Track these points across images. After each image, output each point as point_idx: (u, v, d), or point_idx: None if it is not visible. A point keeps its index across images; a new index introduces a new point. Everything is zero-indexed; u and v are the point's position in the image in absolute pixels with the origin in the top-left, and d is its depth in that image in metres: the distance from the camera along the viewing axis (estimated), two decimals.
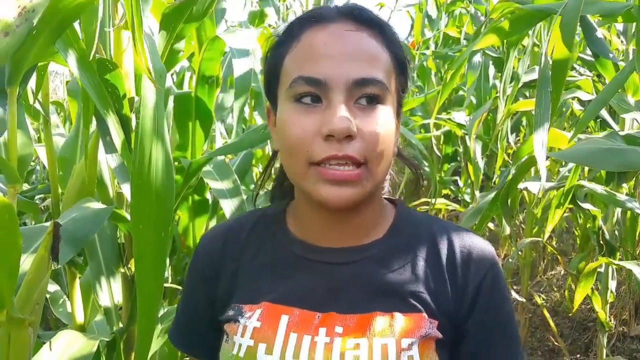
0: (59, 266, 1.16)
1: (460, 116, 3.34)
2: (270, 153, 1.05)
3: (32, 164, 4.12)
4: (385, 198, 0.95)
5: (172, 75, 4.18)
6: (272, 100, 0.88)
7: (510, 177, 1.45)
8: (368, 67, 0.79)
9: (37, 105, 1.49)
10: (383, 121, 0.79)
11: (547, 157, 1.29)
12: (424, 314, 0.81)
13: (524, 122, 3.08)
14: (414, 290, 0.83)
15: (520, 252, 2.74)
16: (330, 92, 0.77)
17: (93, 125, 1.43)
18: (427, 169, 3.26)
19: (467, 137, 3.01)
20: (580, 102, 2.43)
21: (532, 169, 2.46)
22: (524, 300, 2.62)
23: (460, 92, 3.90)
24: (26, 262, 1.15)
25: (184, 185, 1.50)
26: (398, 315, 0.80)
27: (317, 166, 0.77)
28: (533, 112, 2.56)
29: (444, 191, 4.26)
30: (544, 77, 1.03)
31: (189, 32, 1.53)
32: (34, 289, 1.03)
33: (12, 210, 0.94)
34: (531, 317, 3.04)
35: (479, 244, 0.88)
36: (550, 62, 1.03)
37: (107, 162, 1.56)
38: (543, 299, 3.25)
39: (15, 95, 1.08)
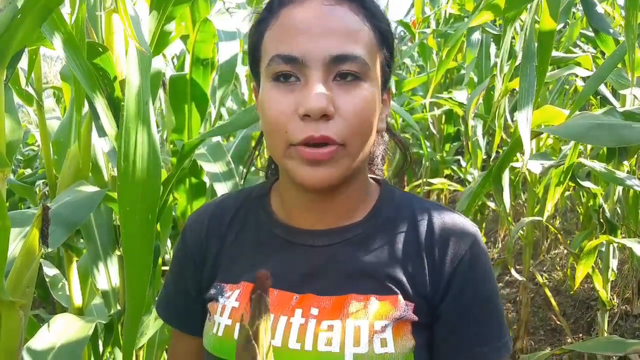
0: (50, 249, 1.17)
1: (461, 95, 3.30)
2: None
3: (35, 148, 4.14)
4: (370, 177, 0.94)
5: (172, 58, 4.16)
6: (257, 78, 0.87)
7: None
8: (347, 42, 0.77)
9: (31, 90, 1.48)
10: (363, 99, 0.78)
11: (542, 134, 1.29)
12: (400, 297, 0.81)
13: None
14: (391, 273, 0.82)
15: (522, 232, 2.73)
16: (307, 69, 0.76)
17: (86, 108, 1.43)
18: (421, 150, 3.26)
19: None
20: (583, 79, 2.41)
21: (534, 148, 2.45)
22: (524, 279, 2.62)
23: (463, 71, 3.87)
24: (17, 246, 1.16)
25: (178, 167, 1.50)
26: (373, 298, 0.80)
27: (296, 146, 0.76)
28: None
29: (446, 171, 4.25)
30: (529, 51, 1.01)
31: (179, 13, 1.51)
32: (24, 273, 1.03)
33: (0, 194, 0.94)
34: (533, 297, 3.05)
35: (459, 224, 0.86)
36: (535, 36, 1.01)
37: (100, 145, 1.56)
38: (546, 278, 3.25)
39: (2, 79, 1.07)
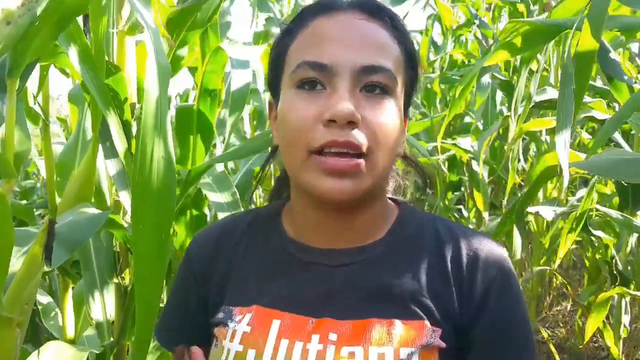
0: (52, 268, 1.12)
1: (466, 142, 3.29)
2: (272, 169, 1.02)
3: (31, 181, 4.08)
4: (389, 198, 0.91)
5: (176, 97, 4.19)
6: (275, 92, 0.85)
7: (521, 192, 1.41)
8: (376, 55, 0.76)
9: (38, 108, 1.45)
10: (389, 113, 0.76)
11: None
12: (426, 322, 0.75)
13: (532, 149, 3.04)
14: (416, 296, 0.77)
15: (527, 285, 2.68)
16: (335, 77, 0.74)
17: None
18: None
19: (473, 161, 2.97)
20: (590, 128, 2.40)
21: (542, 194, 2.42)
22: None
23: (467, 119, 3.89)
24: (17, 262, 1.10)
25: (183, 194, 1.46)
26: (397, 323, 0.75)
27: (317, 155, 0.73)
28: (541, 135, 2.53)
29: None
30: (566, 75, 0.99)
31: (192, 39, 1.51)
32: (23, 289, 0.99)
33: (6, 202, 0.89)
34: (537, 353, 2.96)
35: (488, 245, 0.82)
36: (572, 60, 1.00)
37: (105, 169, 1.53)
38: (549, 335, 3.17)
39: (14, 87, 1.04)
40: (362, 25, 0.78)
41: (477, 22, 3.20)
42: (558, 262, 2.15)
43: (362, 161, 0.73)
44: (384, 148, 0.76)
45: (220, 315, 0.83)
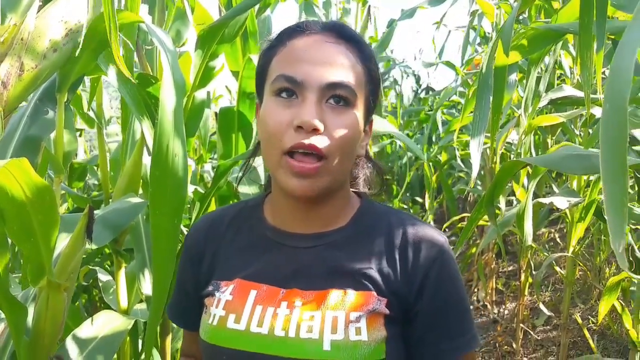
0: (95, 246, 1.35)
1: (513, 135, 3.33)
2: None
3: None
4: (353, 191, 1.08)
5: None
6: (260, 96, 1.02)
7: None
8: (340, 73, 0.92)
9: (92, 114, 1.71)
10: (349, 122, 0.92)
11: (528, 165, 1.38)
12: (374, 292, 0.92)
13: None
14: (366, 272, 0.94)
15: (562, 271, 2.75)
16: (305, 90, 0.90)
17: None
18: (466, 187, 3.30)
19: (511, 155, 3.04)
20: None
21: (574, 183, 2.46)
22: (563, 321, 2.61)
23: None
24: (66, 241, 1.35)
25: (213, 186, 1.68)
26: (350, 292, 0.92)
27: (288, 157, 0.90)
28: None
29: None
30: (485, 85, 1.11)
31: (222, 51, 1.72)
32: (70, 261, 1.22)
33: (52, 193, 1.12)
34: (575, 341, 3.00)
35: (430, 234, 0.98)
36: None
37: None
38: (592, 322, 3.21)
39: (63, 100, 1.29)
40: (331, 47, 0.94)
41: (520, 18, 3.24)
42: (572, 249, 2.23)
43: (320, 164, 0.90)
44: (341, 152, 0.92)
45: (210, 288, 1.01)
